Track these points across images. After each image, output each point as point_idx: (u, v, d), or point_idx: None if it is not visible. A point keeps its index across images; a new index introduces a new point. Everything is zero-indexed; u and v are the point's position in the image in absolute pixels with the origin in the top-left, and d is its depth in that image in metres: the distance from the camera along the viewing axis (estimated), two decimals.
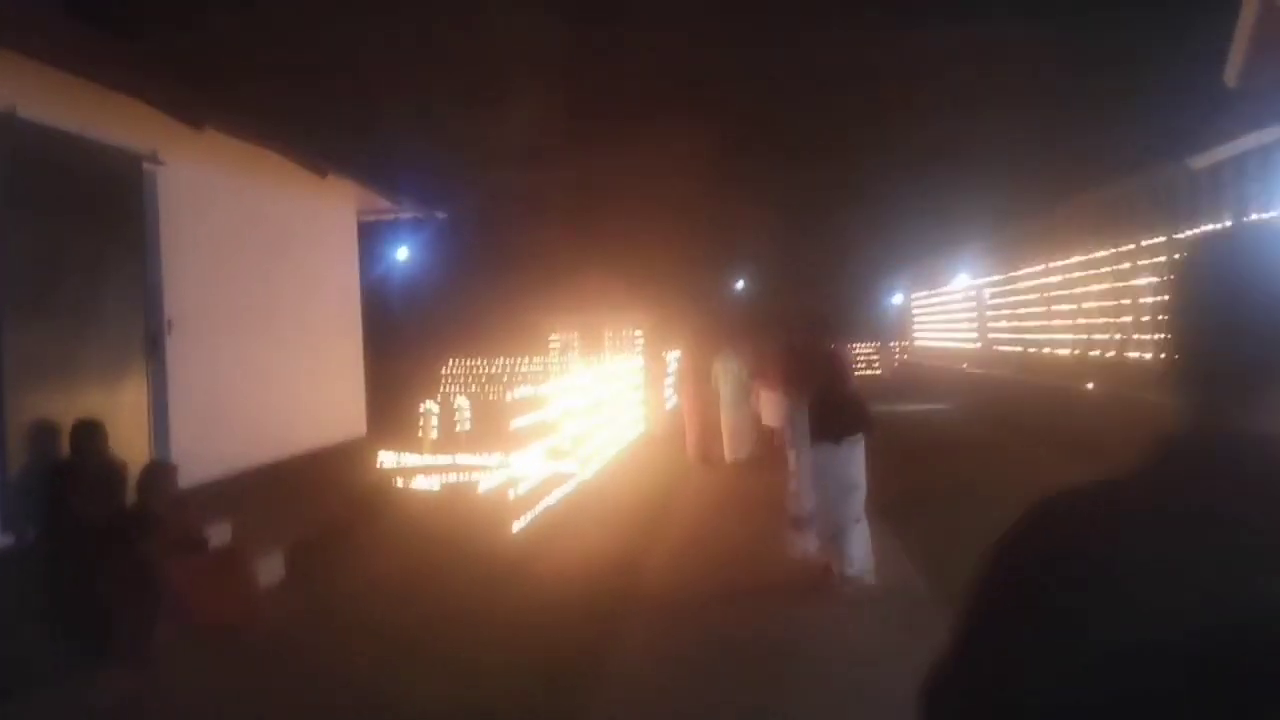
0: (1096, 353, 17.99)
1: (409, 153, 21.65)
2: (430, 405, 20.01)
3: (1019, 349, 22.95)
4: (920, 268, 35.74)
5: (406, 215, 13.84)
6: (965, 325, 29.07)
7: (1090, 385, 17.41)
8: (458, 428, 20.08)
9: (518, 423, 12.80)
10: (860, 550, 6.78)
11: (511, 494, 10.74)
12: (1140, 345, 16.12)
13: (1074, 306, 19.31)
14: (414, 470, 14.11)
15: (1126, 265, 16.33)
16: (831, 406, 6.87)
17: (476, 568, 8.68)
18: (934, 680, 1.23)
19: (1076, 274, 18.96)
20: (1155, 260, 15.22)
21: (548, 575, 8.70)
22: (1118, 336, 14.02)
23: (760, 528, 10.27)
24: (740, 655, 6.44)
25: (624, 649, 6.72)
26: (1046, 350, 20.92)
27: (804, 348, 9.24)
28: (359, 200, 12.21)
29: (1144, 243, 15.52)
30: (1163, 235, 14.70)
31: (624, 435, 17.37)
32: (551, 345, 36.94)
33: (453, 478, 13.38)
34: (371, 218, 13.71)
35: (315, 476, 10.09)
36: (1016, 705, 1.04)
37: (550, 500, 11.37)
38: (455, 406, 21.02)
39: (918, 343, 35.99)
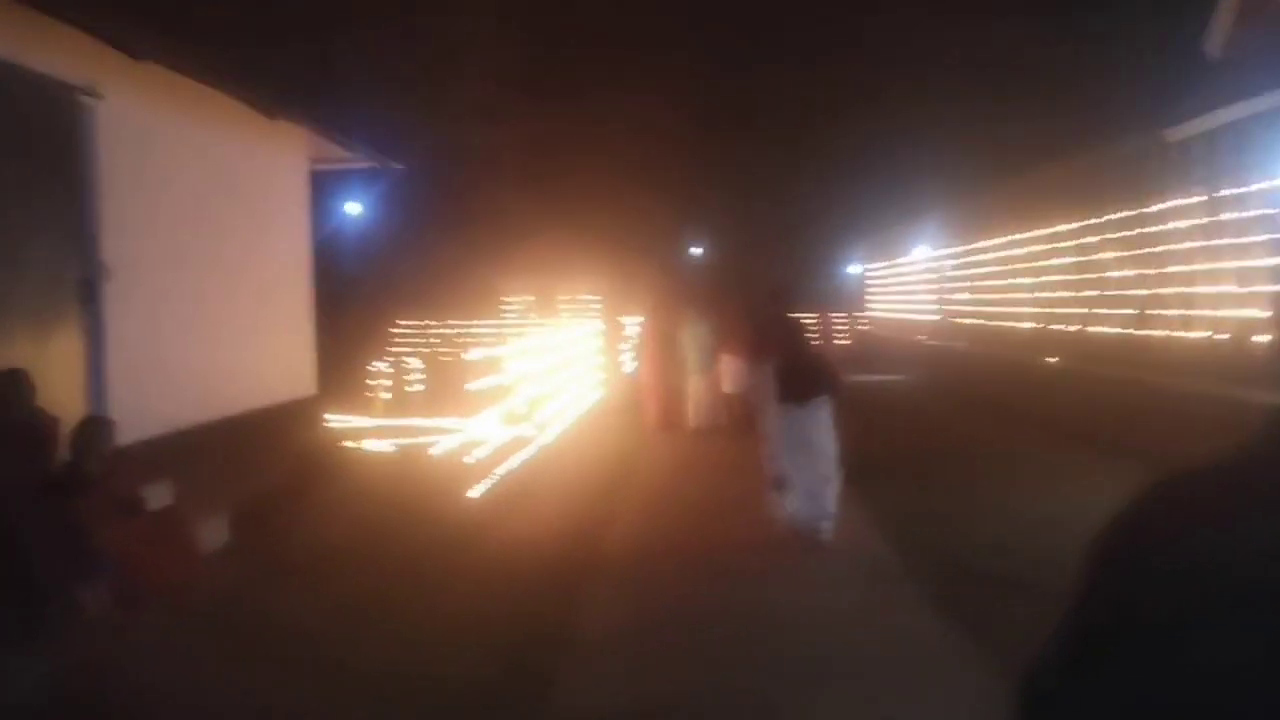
0: (1059, 326, 17.92)
1: (364, 101, 20.94)
2: (381, 365, 19.52)
3: (979, 321, 22.87)
4: (878, 238, 35.64)
5: (361, 165, 13.28)
6: (923, 297, 29.00)
7: (1054, 359, 17.34)
8: (409, 389, 19.60)
9: (474, 385, 12.40)
10: (825, 508, 6.92)
11: (469, 459, 10.36)
12: (1102, 320, 16.05)
13: (1035, 280, 19.22)
14: (365, 432, 13.65)
15: (1093, 239, 16.22)
16: (796, 370, 6.97)
17: (432, 534, 8.30)
18: (1041, 675, 1.13)
19: (1040, 246, 18.85)
20: (1123, 234, 15.10)
21: (507, 542, 8.35)
22: (1140, 311, 13.92)
23: (724, 493, 10.01)
24: (707, 625, 6.15)
25: (588, 620, 6.41)
26: (1008, 324, 20.85)
27: (767, 315, 9.53)
28: (311, 148, 11.66)
29: (1112, 216, 15.39)
30: (1132, 208, 14.56)
31: (582, 401, 17.02)
32: (505, 307, 36.43)
33: (406, 441, 12.95)
34: (324, 167, 13.14)
35: (262, 436, 9.62)
36: (1139, 700, 0.99)
37: (508, 466, 11.00)
38: (407, 367, 20.53)
39: (873, 314, 35.95)
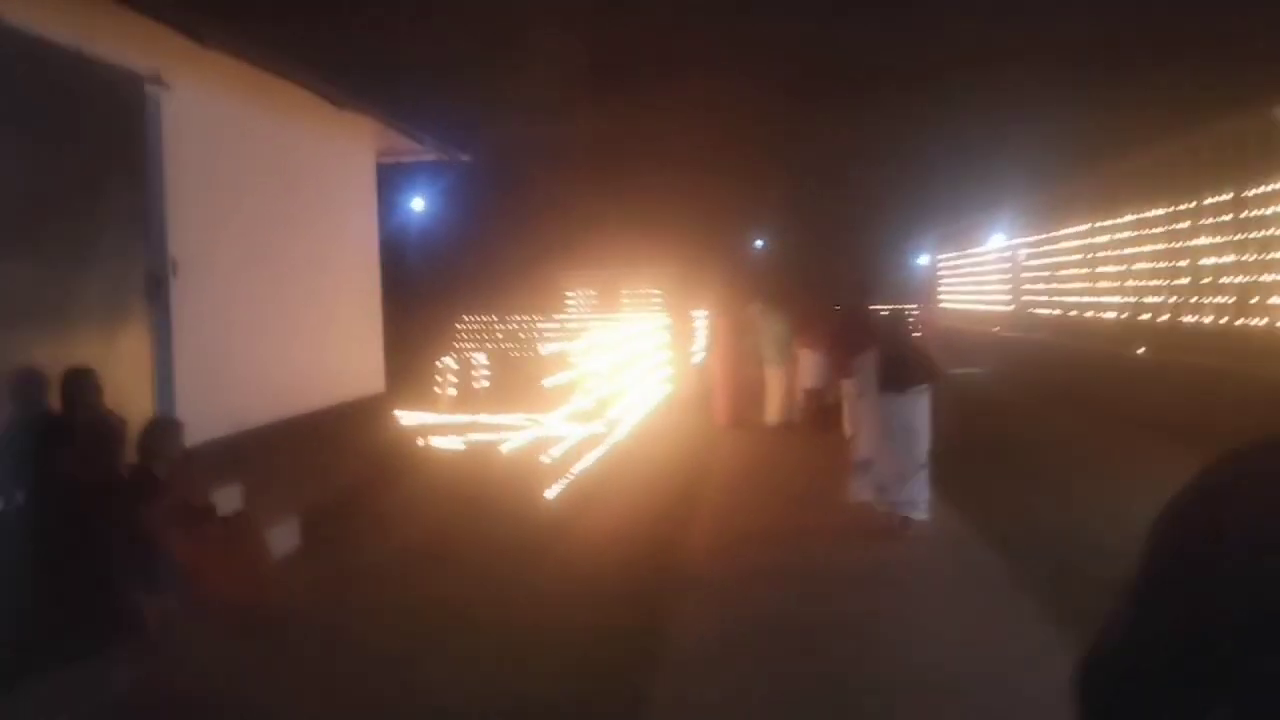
0: (1147, 316, 17.15)
1: (431, 92, 20.71)
2: (448, 361, 19.30)
3: (1057, 312, 22.08)
4: (948, 228, 34.80)
5: (428, 158, 12.98)
6: (997, 287, 28.18)
7: (1141, 350, 16.60)
8: (476, 385, 19.36)
9: (545, 381, 12.08)
10: (921, 494, 7.07)
11: (541, 457, 10.01)
12: (1197, 309, 15.29)
13: (1122, 268, 18.44)
14: (435, 429, 13.39)
15: (1185, 225, 15.47)
16: (898, 359, 7.15)
17: (508, 536, 7.96)
18: (1103, 650, 1.12)
19: (1126, 234, 18.09)
20: (1219, 219, 14.36)
21: (586, 546, 7.98)
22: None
23: (807, 492, 9.57)
24: (809, 639, 5.71)
25: (678, 632, 6.00)
26: (1089, 314, 20.07)
27: (860, 308, 10.74)
28: (378, 140, 11.39)
29: (1207, 200, 14.65)
30: (1231, 192, 13.82)
31: (651, 397, 16.62)
32: (569, 302, 36.13)
33: (476, 438, 12.67)
34: (390, 160, 12.88)
35: (332, 435, 9.36)
36: (1204, 670, 0.98)
37: (581, 464, 10.64)
38: (473, 363, 20.29)
39: (944, 305, 35.12)
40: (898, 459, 7.11)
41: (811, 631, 5.80)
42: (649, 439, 13.24)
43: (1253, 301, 13.20)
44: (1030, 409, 14.84)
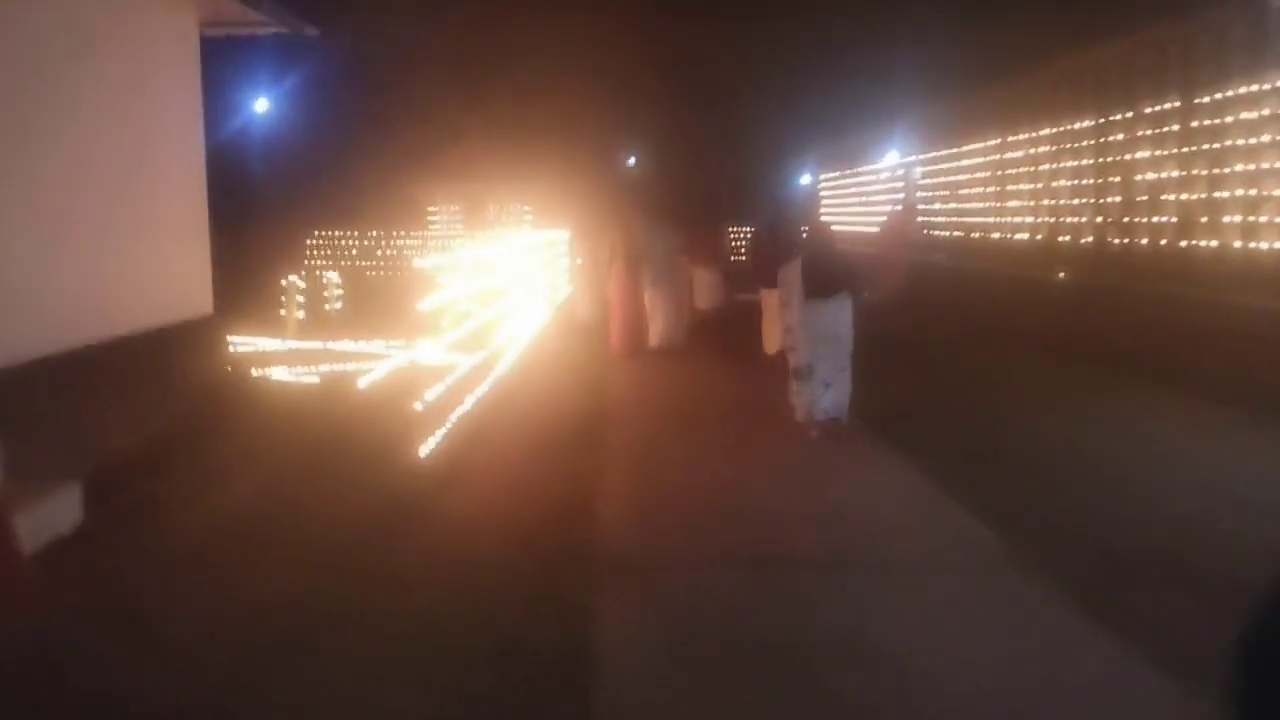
0: (1067, 238, 16.01)
1: None
2: (294, 280, 16.82)
3: (959, 234, 20.93)
4: (834, 146, 33.47)
5: (266, 30, 10.51)
6: (888, 207, 27.01)
7: (1062, 274, 15.46)
8: (327, 308, 16.99)
9: (417, 305, 10.00)
10: (843, 397, 7.27)
11: (412, 398, 7.97)
12: (1128, 230, 14.13)
13: (1038, 186, 17.25)
14: (277, 358, 11.13)
15: (1119, 137, 14.23)
16: (823, 268, 7.29)
17: (368, 505, 5.95)
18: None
19: (1046, 148, 16.86)
20: (1163, 130, 13.15)
21: (468, 520, 6.03)
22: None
23: (730, 432, 7.79)
24: (768, 653, 3.90)
25: (606, 632, 4.11)
26: (997, 235, 18.93)
27: (777, 222, 10.47)
28: (203, 6, 8.97)
29: (1148, 110, 13.40)
30: (1176, 99, 12.52)
31: (534, 323, 14.63)
32: (432, 218, 33.55)
33: (330, 369, 10.50)
34: (219, 32, 10.35)
35: (138, 369, 7.11)
36: None
37: (458, 404, 8.62)
38: (324, 283, 17.85)
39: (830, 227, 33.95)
40: (825, 364, 7.22)
41: (794, 651, 4.02)
42: (537, 370, 11.28)
43: (1203, 221, 11.98)
44: (948, 341, 13.32)
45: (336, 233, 30.24)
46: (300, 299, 16.87)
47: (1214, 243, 11.75)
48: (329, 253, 29.38)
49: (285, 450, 7.21)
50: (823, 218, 33.62)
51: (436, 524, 5.78)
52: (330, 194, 29.28)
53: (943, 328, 14.03)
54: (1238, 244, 11.23)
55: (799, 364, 7.45)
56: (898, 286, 17.75)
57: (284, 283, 16.66)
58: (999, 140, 18.79)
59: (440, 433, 7.50)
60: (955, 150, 21.38)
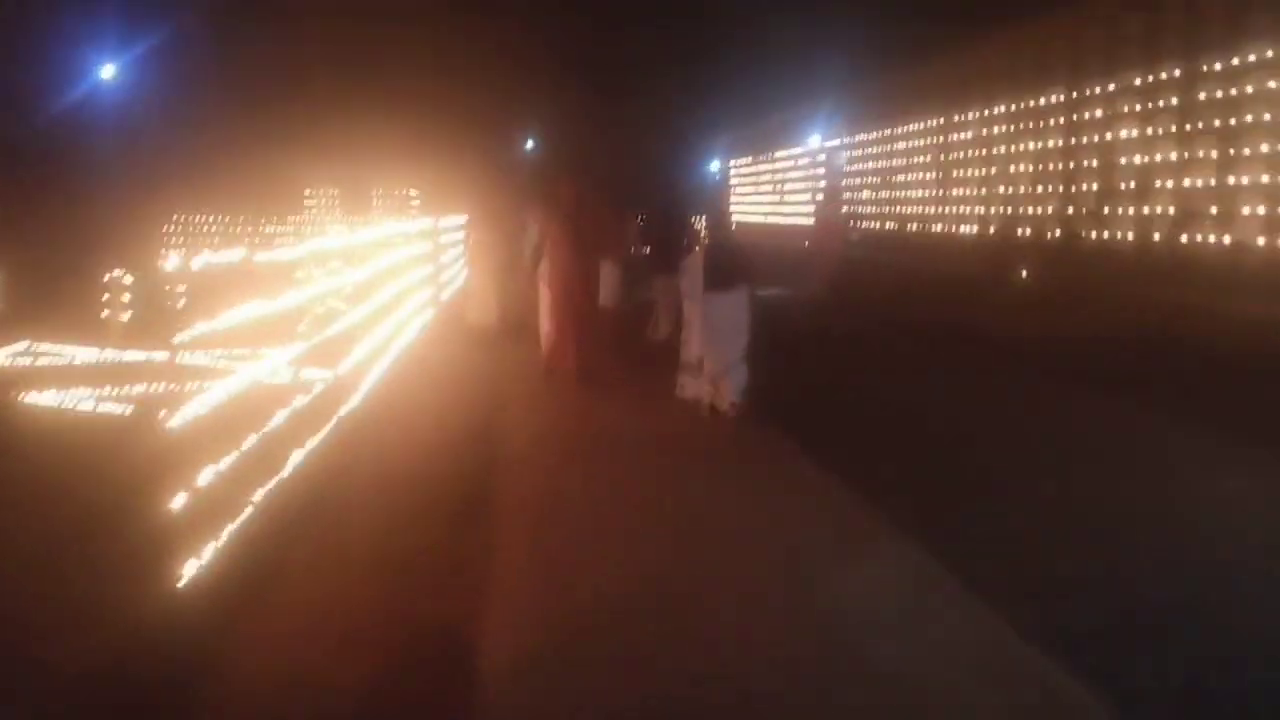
0: (1027, 232, 14.01)
1: None
2: (119, 275, 13.77)
3: (892, 225, 18.91)
4: (745, 131, 31.29)
5: None
6: (805, 197, 24.92)
7: (1023, 273, 13.46)
8: (169, 306, 13.98)
9: (270, 304, 7.42)
10: (740, 384, 7.20)
11: (230, 453, 5.38)
12: (1105, 222, 12.15)
13: (989, 171, 15.24)
14: (80, 375, 8.22)
15: (1096, 113, 12.26)
16: (723, 260, 7.41)
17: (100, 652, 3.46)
18: None
19: (1000, 128, 14.85)
20: (1153, 104, 11.18)
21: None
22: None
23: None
24: None
25: None
26: (937, 227, 16.93)
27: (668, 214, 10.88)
28: None
29: (1135, 81, 11.43)
30: (1176, 67, 10.57)
31: (413, 325, 11.97)
32: (307, 203, 30.44)
33: (146, 388, 7.75)
34: None
35: None
36: None
37: (281, 455, 6.04)
38: (165, 277, 14.82)
39: (737, 218, 31.74)
40: (723, 354, 7.29)
41: None
42: (411, 393, 8.67)
43: (1213, 212, 9.98)
44: (895, 345, 11.17)
45: (196, 218, 27.03)
46: (127, 298, 13.67)
47: (1226, 239, 9.75)
48: (187, 241, 26.18)
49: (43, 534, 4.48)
50: (733, 207, 31.55)
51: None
52: (189, 174, 25.95)
53: (878, 331, 11.88)
54: (1262, 240, 9.23)
55: (688, 357, 7.50)
56: (827, 283, 15.56)
57: (110, 277, 13.45)
58: (941, 120, 16.76)
59: (237, 523, 4.93)
60: (888, 132, 19.31)
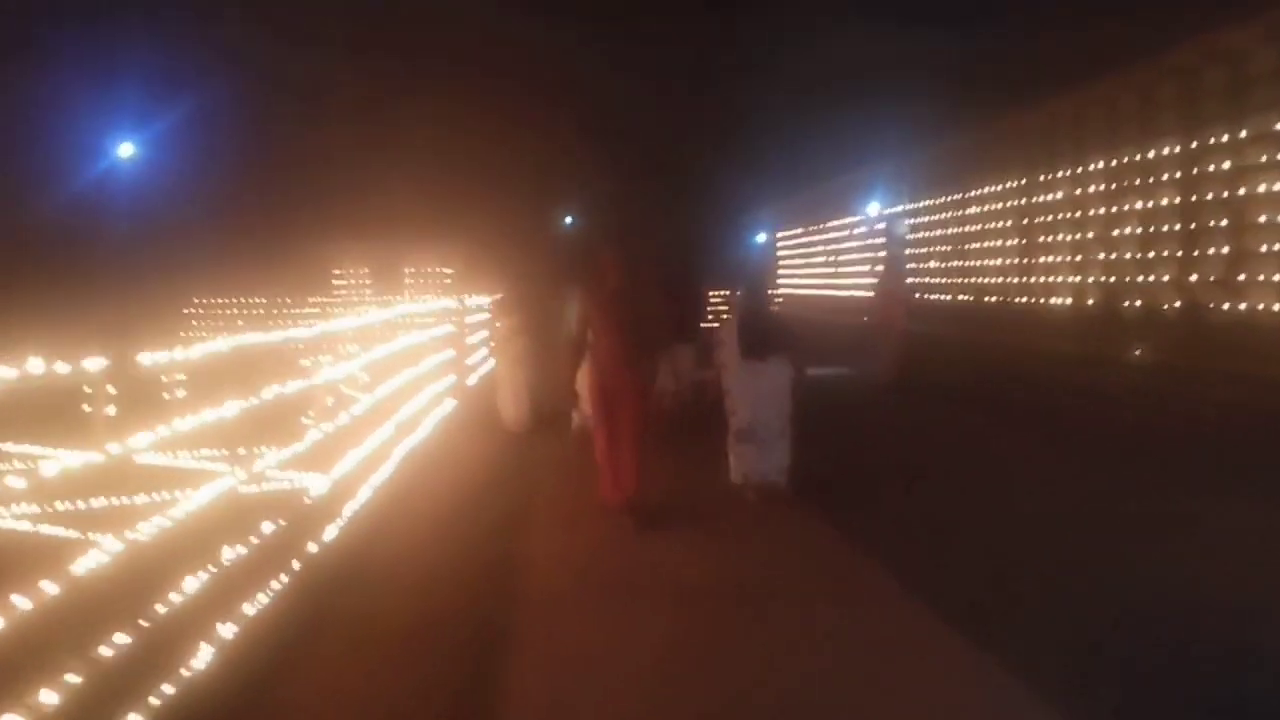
0: (1137, 303, 12.22)
1: None
2: (102, 362, 12.26)
3: (966, 298, 17.18)
4: (793, 200, 29.84)
5: None
6: (860, 268, 23.31)
7: (1138, 351, 11.66)
8: (166, 396, 12.43)
9: (275, 392, 5.88)
10: (784, 460, 6.79)
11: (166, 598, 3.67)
12: (1238, 291, 10.36)
13: (1077, 236, 13.51)
14: (32, 486, 6.65)
15: (1225, 166, 10.54)
16: (758, 327, 7.06)
17: None
18: None
19: (1100, 186, 13.13)
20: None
21: None
22: None
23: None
24: None
25: None
26: (1021, 299, 15.17)
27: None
28: None
29: (1276, 126, 9.73)
30: None
31: (432, 417, 10.29)
32: (337, 282, 29.19)
33: (110, 502, 6.17)
34: None
35: None
36: None
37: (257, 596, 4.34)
38: (162, 367, 13.30)
39: (786, 290, 30.10)
40: (764, 426, 6.85)
41: None
42: (417, 517, 6.94)
43: None
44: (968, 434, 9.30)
45: (219, 301, 25.84)
46: (111, 390, 11.99)
47: None
48: (210, 324, 24.93)
49: None
50: (781, 278, 29.94)
51: None
52: (211, 254, 24.79)
53: (965, 418, 10.04)
54: None
55: (740, 425, 7.12)
56: (894, 362, 13.72)
57: (91, 368, 11.77)
58: (1023, 180, 15.10)
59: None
60: (959, 196, 17.67)
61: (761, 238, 32.99)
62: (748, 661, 3.90)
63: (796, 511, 6.34)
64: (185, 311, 24.52)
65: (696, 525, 5.98)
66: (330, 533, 5.71)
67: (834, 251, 26.20)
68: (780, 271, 31.22)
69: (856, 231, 24.17)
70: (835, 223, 25.87)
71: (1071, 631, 4.14)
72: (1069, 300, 13.94)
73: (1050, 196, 14.49)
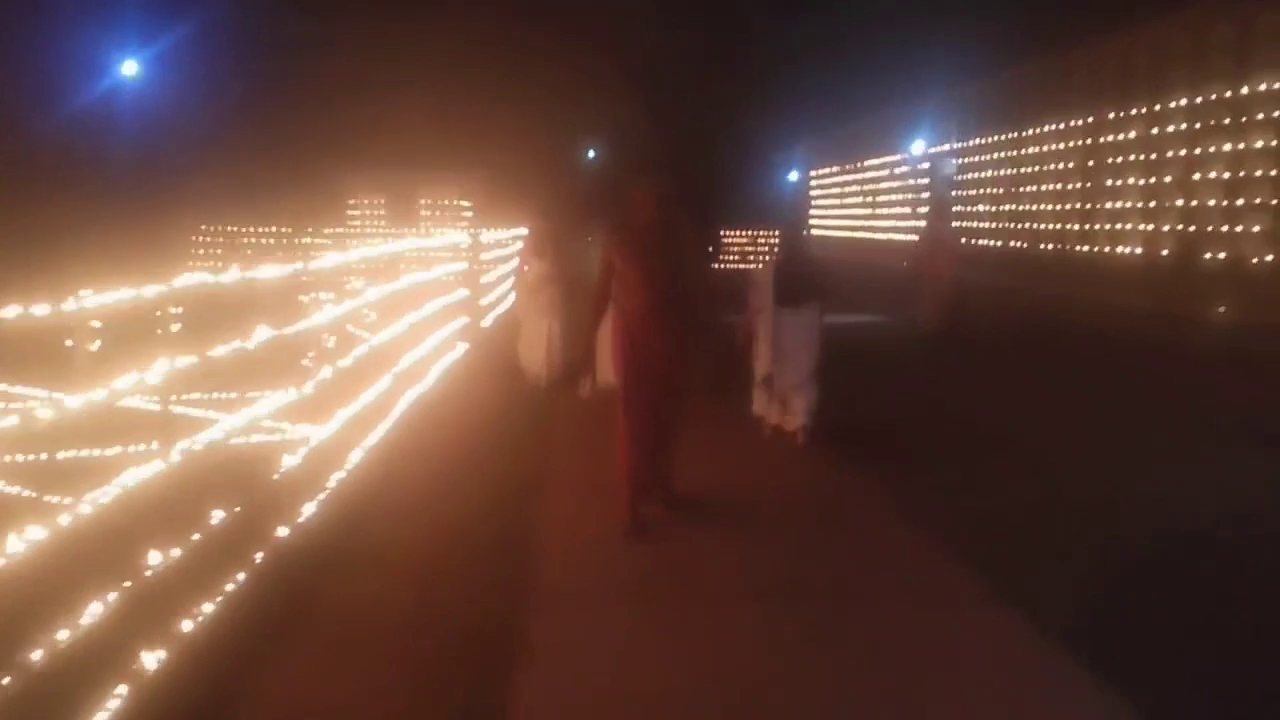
0: (1221, 255, 11.10)
1: None
2: (84, 296, 11.31)
3: (1020, 244, 16.03)
4: (827, 137, 28.52)
5: None
6: (903, 209, 22.14)
7: (1221, 309, 10.59)
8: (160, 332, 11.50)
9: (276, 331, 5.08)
10: (808, 405, 6.78)
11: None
12: None
13: (1150, 180, 12.34)
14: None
15: None
16: (794, 274, 6.92)
17: None
18: None
19: (1181, 126, 11.94)
20: None
21: None
22: None
23: None
24: None
25: None
26: (1084, 248, 14.03)
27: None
28: None
29: None
30: None
31: (441, 361, 9.31)
32: (351, 213, 28.16)
33: (75, 455, 5.38)
34: None
35: None
36: None
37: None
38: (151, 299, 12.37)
39: (817, 232, 28.90)
40: (791, 372, 6.84)
41: None
42: (428, 470, 5.98)
43: None
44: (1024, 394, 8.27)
45: (230, 228, 24.85)
46: (96, 324, 11.01)
47: None
48: (218, 253, 24.00)
49: None
50: (813, 219, 28.77)
51: None
52: (220, 180, 23.76)
53: (1023, 375, 9.01)
54: None
55: (766, 370, 7.10)
56: (939, 313, 12.65)
57: (72, 302, 10.77)
58: (1090, 118, 13.88)
59: None
60: (1015, 134, 16.43)
61: (793, 176, 31.74)
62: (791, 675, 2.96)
63: (848, 492, 5.38)
64: (192, 239, 23.60)
65: (733, 508, 5.00)
66: (310, 508, 4.78)
67: (871, 192, 24.97)
68: (812, 212, 30.00)
69: (898, 171, 22.93)
70: (874, 161, 24.59)
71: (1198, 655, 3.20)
72: (1139, 250, 12.80)
73: (1121, 136, 13.27)
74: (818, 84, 27.37)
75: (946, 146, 19.76)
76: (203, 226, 23.89)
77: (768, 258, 7.95)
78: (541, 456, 6.15)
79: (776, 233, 24.61)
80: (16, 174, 17.74)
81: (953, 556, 4.09)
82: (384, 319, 7.44)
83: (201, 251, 23.12)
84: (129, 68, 21.98)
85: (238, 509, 3.89)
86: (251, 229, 24.42)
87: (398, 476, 5.53)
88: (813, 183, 30.90)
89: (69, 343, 7.29)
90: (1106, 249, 13.50)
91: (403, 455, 5.98)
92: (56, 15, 20.62)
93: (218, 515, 3.75)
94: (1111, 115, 13.40)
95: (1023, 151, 16.19)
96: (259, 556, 3.94)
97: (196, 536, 3.56)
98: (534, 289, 8.54)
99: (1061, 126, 14.82)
